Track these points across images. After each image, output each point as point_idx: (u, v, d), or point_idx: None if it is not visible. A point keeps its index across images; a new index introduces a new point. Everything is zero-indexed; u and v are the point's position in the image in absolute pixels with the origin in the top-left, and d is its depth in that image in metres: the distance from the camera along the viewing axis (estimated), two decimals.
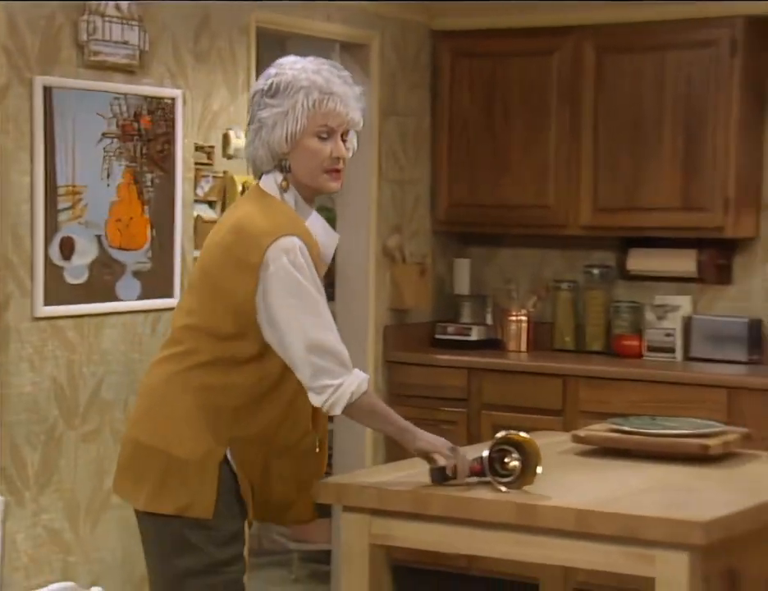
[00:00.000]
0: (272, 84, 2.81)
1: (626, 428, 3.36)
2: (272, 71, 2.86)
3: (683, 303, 5.50)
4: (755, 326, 5.40)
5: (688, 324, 5.48)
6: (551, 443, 3.35)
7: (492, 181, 5.65)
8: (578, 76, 5.52)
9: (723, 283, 5.52)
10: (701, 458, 3.26)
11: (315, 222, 2.87)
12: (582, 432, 3.44)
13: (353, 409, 2.78)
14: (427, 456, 2.83)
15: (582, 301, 5.72)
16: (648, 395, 5.05)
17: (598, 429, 3.45)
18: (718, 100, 5.27)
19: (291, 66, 2.83)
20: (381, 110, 5.54)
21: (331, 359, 2.76)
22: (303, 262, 2.76)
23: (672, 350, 5.47)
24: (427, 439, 2.85)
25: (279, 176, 2.84)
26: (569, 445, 3.42)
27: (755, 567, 4.69)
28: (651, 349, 5.50)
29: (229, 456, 2.83)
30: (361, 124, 2.90)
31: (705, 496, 2.99)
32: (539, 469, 2.81)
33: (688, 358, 5.47)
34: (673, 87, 5.36)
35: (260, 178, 2.90)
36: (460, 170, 5.73)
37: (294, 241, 2.75)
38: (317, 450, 2.93)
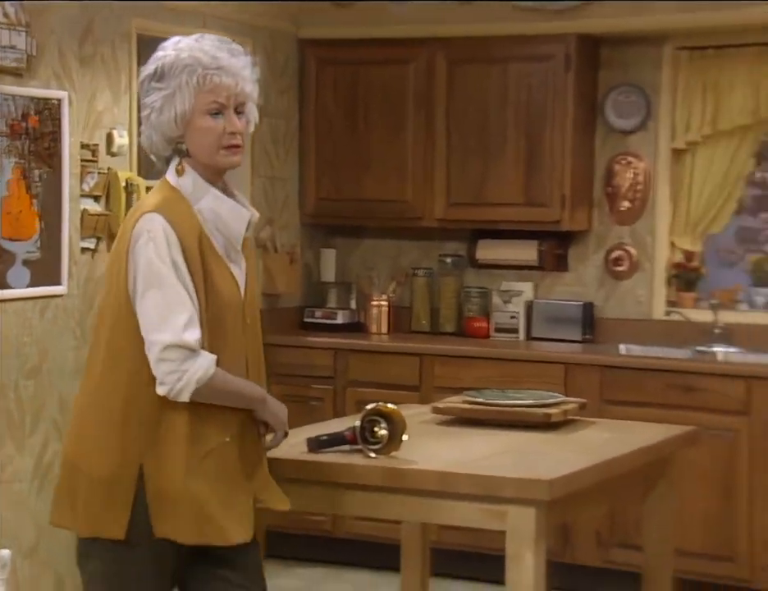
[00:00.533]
0: (156, 67, 2.57)
1: (480, 400, 3.42)
2: (157, 54, 2.60)
3: (526, 288, 5.57)
4: (588, 308, 5.48)
5: (529, 307, 5.54)
6: (414, 414, 3.37)
7: (355, 178, 5.66)
8: (432, 84, 5.53)
9: (560, 271, 5.59)
10: (544, 425, 3.33)
11: (214, 201, 2.59)
12: (441, 404, 3.47)
13: (200, 394, 2.50)
14: (267, 427, 2.67)
15: (436, 287, 5.73)
16: (495, 371, 5.10)
17: (455, 401, 3.49)
18: (555, 108, 5.32)
19: (174, 46, 2.57)
20: None
21: (173, 350, 2.47)
22: (162, 240, 2.48)
23: (516, 331, 5.53)
24: (272, 412, 2.64)
25: (176, 161, 2.59)
26: (430, 416, 3.46)
27: (585, 521, 4.89)
28: (498, 330, 5.55)
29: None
30: (255, 94, 2.62)
31: (549, 458, 3.04)
32: (405, 437, 2.86)
33: (530, 338, 5.53)
34: (515, 96, 5.40)
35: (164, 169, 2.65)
36: (326, 168, 5.72)
37: (154, 218, 2.50)
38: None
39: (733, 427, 4.78)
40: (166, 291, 2.48)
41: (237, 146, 2.57)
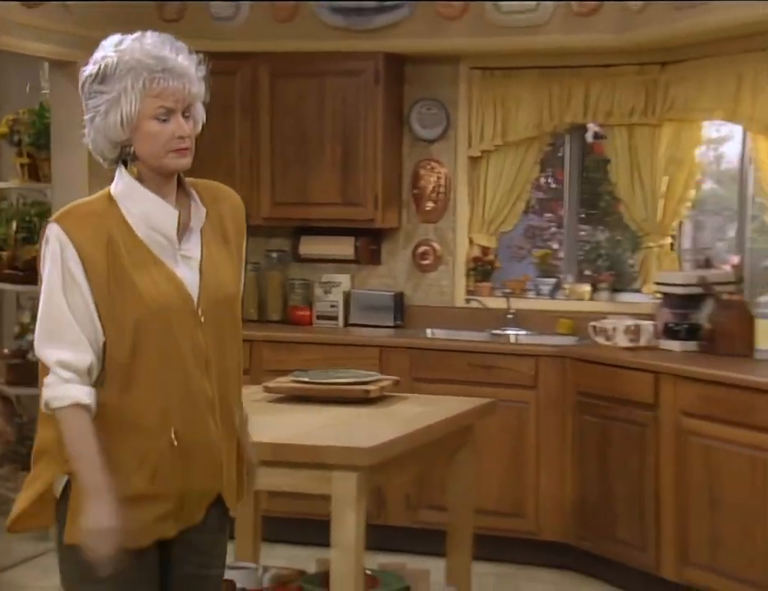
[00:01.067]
0: (98, 69, 2.28)
1: (306, 379, 3.51)
2: (97, 55, 2.31)
3: (344, 280, 5.64)
4: (398, 298, 5.58)
5: (347, 297, 5.60)
6: (247, 394, 3.32)
7: None
8: (256, 95, 5.52)
9: (374, 264, 5.67)
10: (363, 400, 3.45)
11: (142, 201, 2.31)
12: (271, 384, 3.54)
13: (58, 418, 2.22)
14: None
15: (263, 279, 5.74)
16: (318, 354, 5.12)
17: (284, 381, 3.56)
18: (366, 118, 5.39)
19: (115, 47, 2.29)
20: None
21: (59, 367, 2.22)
22: (55, 249, 2.24)
23: (336, 318, 5.60)
24: (91, 523, 2.20)
25: (131, 169, 2.32)
26: (262, 395, 3.52)
27: (396, 485, 5.02)
28: (320, 317, 5.61)
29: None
30: (202, 93, 2.35)
31: (367, 429, 3.16)
32: None
33: (348, 324, 5.60)
34: (331, 107, 5.43)
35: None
36: None
37: (51, 227, 2.26)
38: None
39: (524, 399, 4.96)
40: (52, 307, 2.25)
41: (185, 149, 2.32)
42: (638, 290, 5.46)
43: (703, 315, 4.89)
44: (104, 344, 2.26)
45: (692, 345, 4.84)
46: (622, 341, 4.94)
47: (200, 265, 2.35)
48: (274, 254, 5.78)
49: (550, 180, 6.15)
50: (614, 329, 4.98)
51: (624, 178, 5.42)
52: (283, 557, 4.60)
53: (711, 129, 5.35)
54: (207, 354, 2.32)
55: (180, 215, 2.33)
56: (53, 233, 2.26)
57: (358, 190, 5.45)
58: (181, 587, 2.39)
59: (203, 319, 2.32)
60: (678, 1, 4.72)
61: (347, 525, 2.86)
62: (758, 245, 5.30)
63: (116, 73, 2.26)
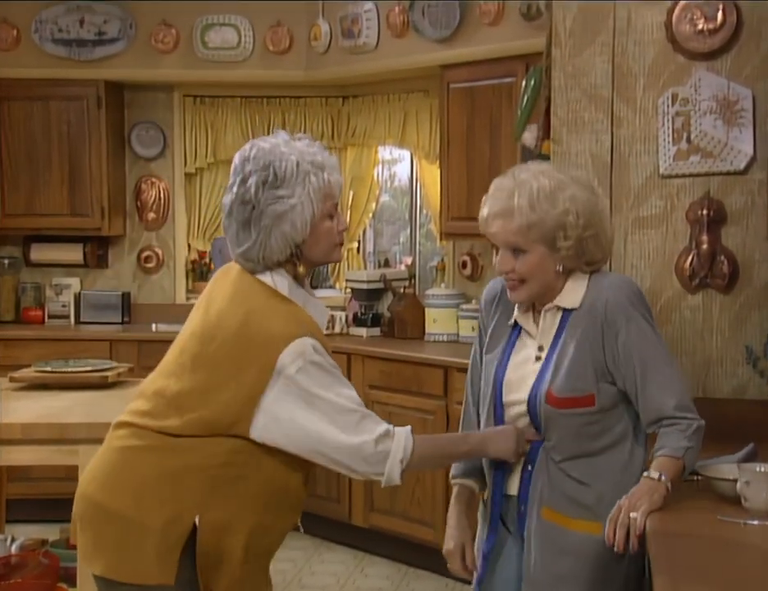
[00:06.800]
0: (275, 172, 2.06)
1: (48, 369, 3.53)
2: (260, 160, 2.06)
3: (74, 282, 5.60)
4: (126, 297, 5.60)
5: (78, 298, 5.59)
6: None
7: None
8: None
9: (102, 268, 5.67)
10: (102, 385, 3.50)
11: (314, 304, 2.17)
12: (17, 374, 3.52)
13: (411, 468, 2.10)
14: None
15: None
16: (51, 350, 5.01)
17: (28, 371, 3.55)
18: (91, 139, 5.40)
19: (281, 148, 2.07)
20: None
21: (364, 446, 2.05)
22: (319, 359, 2.06)
23: (68, 317, 5.56)
24: (496, 450, 2.15)
25: (290, 268, 2.12)
26: (7, 384, 3.48)
27: None
28: (52, 316, 5.58)
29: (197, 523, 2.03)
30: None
31: (109, 408, 3.12)
32: None
33: (79, 322, 5.57)
34: (58, 127, 5.41)
35: (259, 271, 2.11)
36: None
37: (305, 342, 2.04)
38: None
39: None
40: (340, 414, 2.08)
41: (342, 244, 2.18)
42: (332, 286, 5.83)
43: (384, 306, 5.29)
44: None
45: (375, 331, 5.21)
46: None
47: None
48: (6, 261, 5.67)
49: None
50: None
51: None
52: (28, 534, 4.55)
53: (386, 152, 5.82)
54: None
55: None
56: (308, 346, 2.06)
57: (86, 202, 5.45)
58: None
59: None
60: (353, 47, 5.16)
61: None
62: (426, 248, 5.80)
63: (294, 176, 2.07)
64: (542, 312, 2.20)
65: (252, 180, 2.08)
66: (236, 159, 2.13)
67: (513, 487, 2.23)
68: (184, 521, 2.03)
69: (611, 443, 2.15)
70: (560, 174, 2.17)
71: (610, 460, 2.15)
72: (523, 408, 2.18)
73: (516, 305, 2.24)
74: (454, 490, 2.34)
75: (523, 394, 2.17)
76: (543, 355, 2.18)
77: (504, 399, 2.20)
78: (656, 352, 2.11)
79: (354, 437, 2.05)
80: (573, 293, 2.16)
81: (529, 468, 2.19)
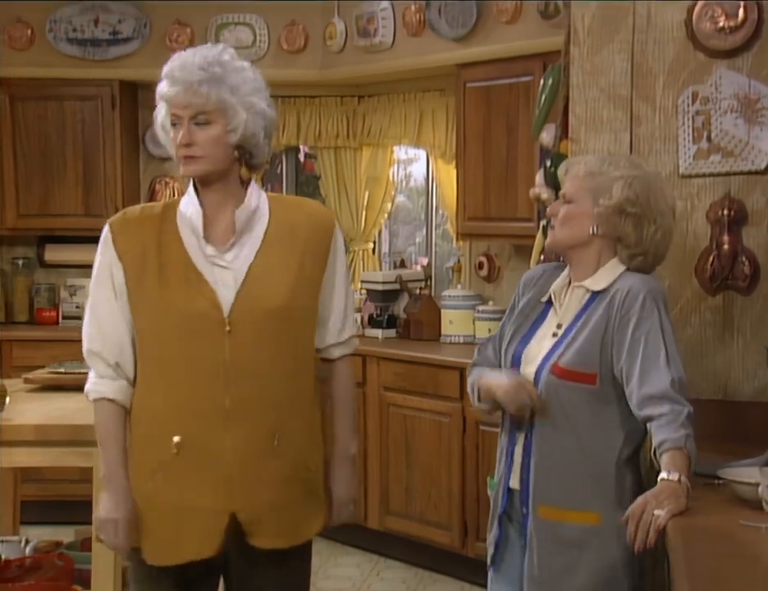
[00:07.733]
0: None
1: (62, 370, 3.52)
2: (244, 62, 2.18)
3: (87, 284, 5.48)
4: None
5: None
6: (8, 384, 3.29)
7: None
8: None
9: None
10: None
11: (184, 204, 2.18)
12: (31, 375, 3.51)
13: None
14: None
15: (10, 285, 5.65)
16: (65, 351, 4.75)
17: (42, 372, 3.55)
18: (105, 139, 5.40)
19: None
20: None
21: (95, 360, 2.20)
22: (100, 254, 2.20)
23: (82, 318, 5.56)
24: (99, 512, 2.15)
25: None
26: (21, 385, 3.48)
27: None
28: (66, 317, 5.56)
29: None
30: (244, 103, 2.14)
31: None
32: (7, 400, 2.94)
33: None
34: (72, 128, 5.41)
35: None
36: None
37: (104, 228, 2.22)
38: None
39: None
40: (91, 302, 2.27)
41: (188, 157, 2.11)
42: None
43: (400, 307, 5.29)
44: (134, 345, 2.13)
45: (391, 333, 5.21)
46: None
47: (246, 273, 2.11)
48: (20, 261, 5.69)
49: None
50: None
51: (332, 192, 5.81)
52: (43, 536, 4.56)
53: (401, 152, 5.83)
54: (230, 364, 2.08)
55: (204, 217, 2.13)
56: (103, 233, 2.18)
57: (100, 203, 5.45)
58: None
59: (229, 329, 2.09)
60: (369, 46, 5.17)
61: None
62: (442, 249, 5.81)
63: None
64: (571, 288, 2.30)
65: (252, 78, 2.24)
66: None
67: (515, 481, 2.33)
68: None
69: (602, 431, 2.22)
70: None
71: (600, 448, 2.22)
72: (531, 379, 2.28)
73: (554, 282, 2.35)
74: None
75: (534, 367, 2.29)
76: (560, 332, 2.29)
77: (521, 371, 2.31)
78: (659, 345, 2.16)
79: None
80: (603, 277, 2.27)
81: (527, 461, 2.28)
